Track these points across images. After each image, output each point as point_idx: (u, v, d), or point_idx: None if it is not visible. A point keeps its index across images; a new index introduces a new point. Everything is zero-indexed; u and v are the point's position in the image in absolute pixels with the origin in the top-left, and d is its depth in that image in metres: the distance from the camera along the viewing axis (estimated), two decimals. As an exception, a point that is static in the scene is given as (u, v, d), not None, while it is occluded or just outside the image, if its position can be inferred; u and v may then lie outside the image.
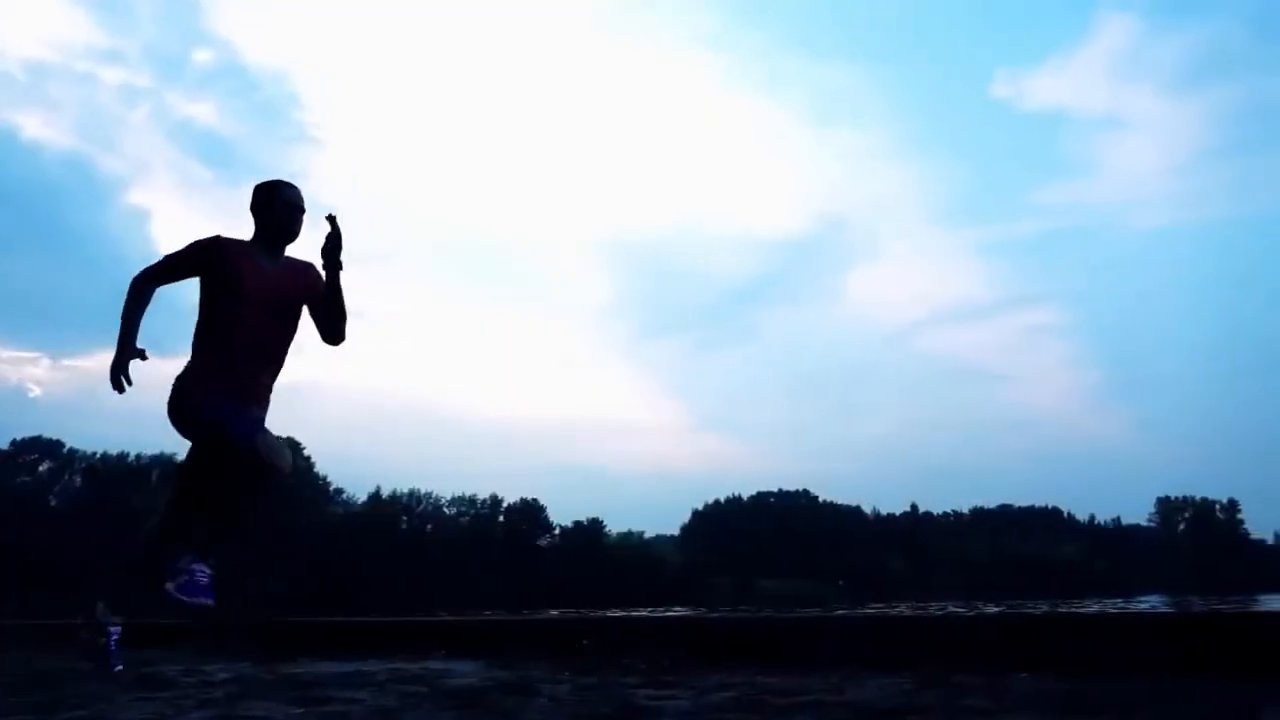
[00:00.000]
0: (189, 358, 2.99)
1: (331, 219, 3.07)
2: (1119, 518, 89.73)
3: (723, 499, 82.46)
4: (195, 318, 2.99)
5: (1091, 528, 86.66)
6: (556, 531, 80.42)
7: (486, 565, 68.51)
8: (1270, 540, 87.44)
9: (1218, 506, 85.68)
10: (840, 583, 63.68)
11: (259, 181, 3.19)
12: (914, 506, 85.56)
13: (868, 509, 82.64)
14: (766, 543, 71.21)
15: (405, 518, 76.47)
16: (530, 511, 78.90)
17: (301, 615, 7.25)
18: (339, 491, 74.50)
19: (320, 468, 69.72)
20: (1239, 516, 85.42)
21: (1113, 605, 22.68)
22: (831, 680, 2.34)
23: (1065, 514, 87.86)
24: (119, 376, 2.83)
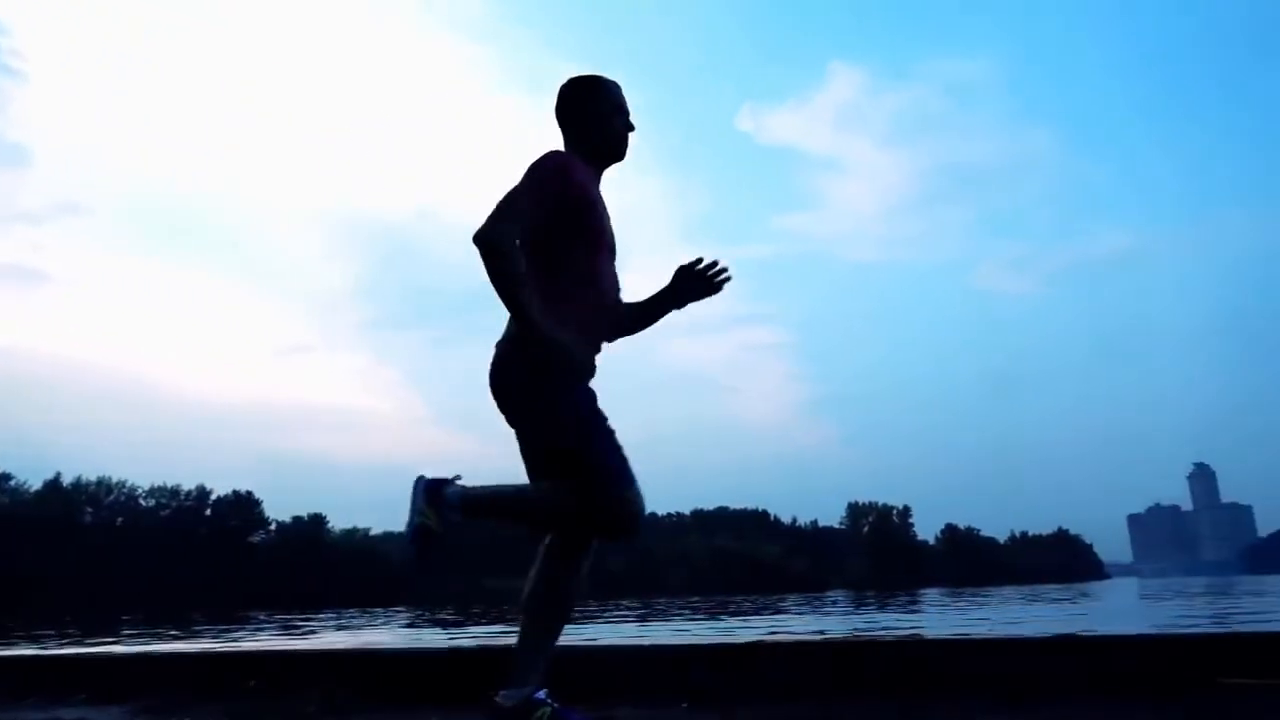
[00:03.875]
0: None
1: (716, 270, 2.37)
2: (816, 520, 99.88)
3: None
4: None
5: (793, 528, 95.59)
6: (272, 527, 74.98)
7: (190, 564, 62.29)
8: (932, 541, 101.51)
9: (895, 512, 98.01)
10: (567, 581, 65.16)
11: (574, 76, 2.39)
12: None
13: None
14: (498, 541, 71.11)
15: (90, 509, 67.66)
16: (243, 505, 72.87)
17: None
18: (6, 477, 64.64)
19: (-19, 450, 59.82)
20: (910, 521, 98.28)
21: (807, 602, 25.14)
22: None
23: (772, 516, 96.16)
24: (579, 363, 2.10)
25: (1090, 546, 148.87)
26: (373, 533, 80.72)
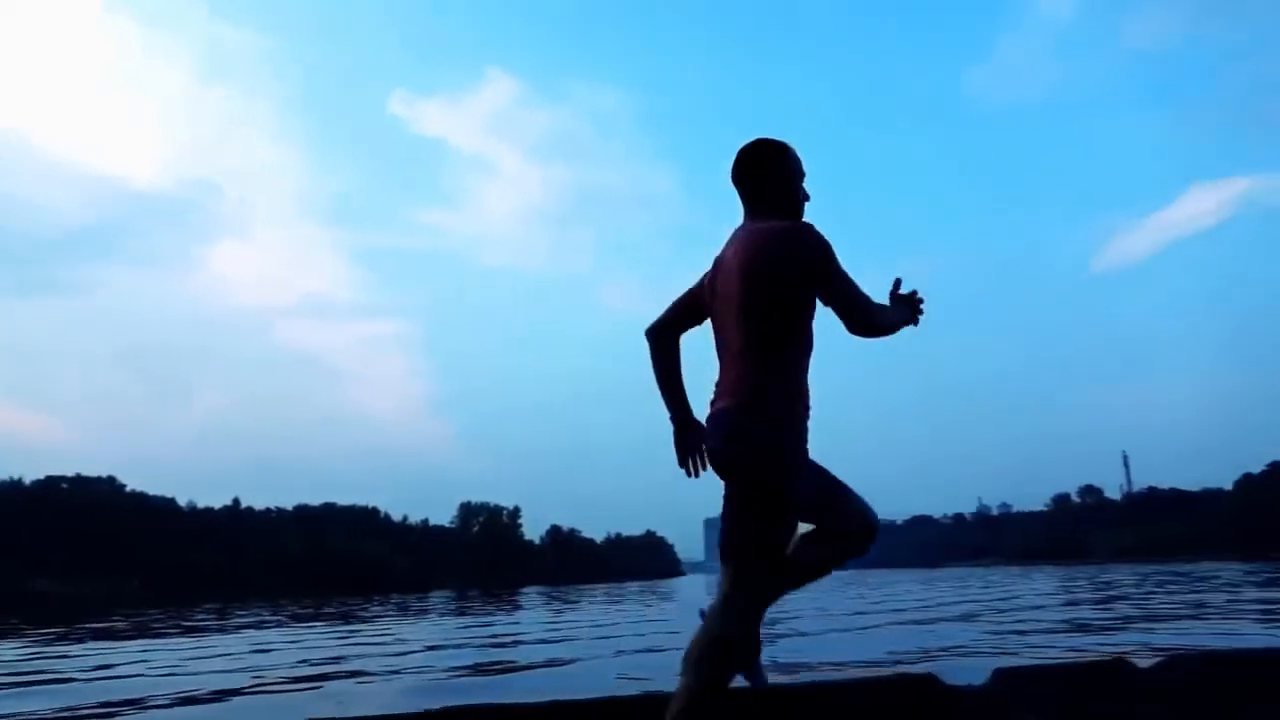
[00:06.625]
0: (762, 373, 2.14)
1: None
2: (427, 519, 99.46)
3: (-4, 482, 67.52)
4: None
5: (403, 527, 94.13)
6: None
7: None
8: (538, 541, 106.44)
9: (505, 513, 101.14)
10: (136, 582, 57.39)
11: (765, 140, 2.32)
12: (236, 501, 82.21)
13: (183, 501, 76.54)
14: (51, 537, 60.51)
15: None
16: None
17: None
18: None
19: None
20: (520, 521, 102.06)
21: (401, 603, 24.90)
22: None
23: (382, 514, 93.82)
24: None
25: (672, 546, 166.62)
26: None
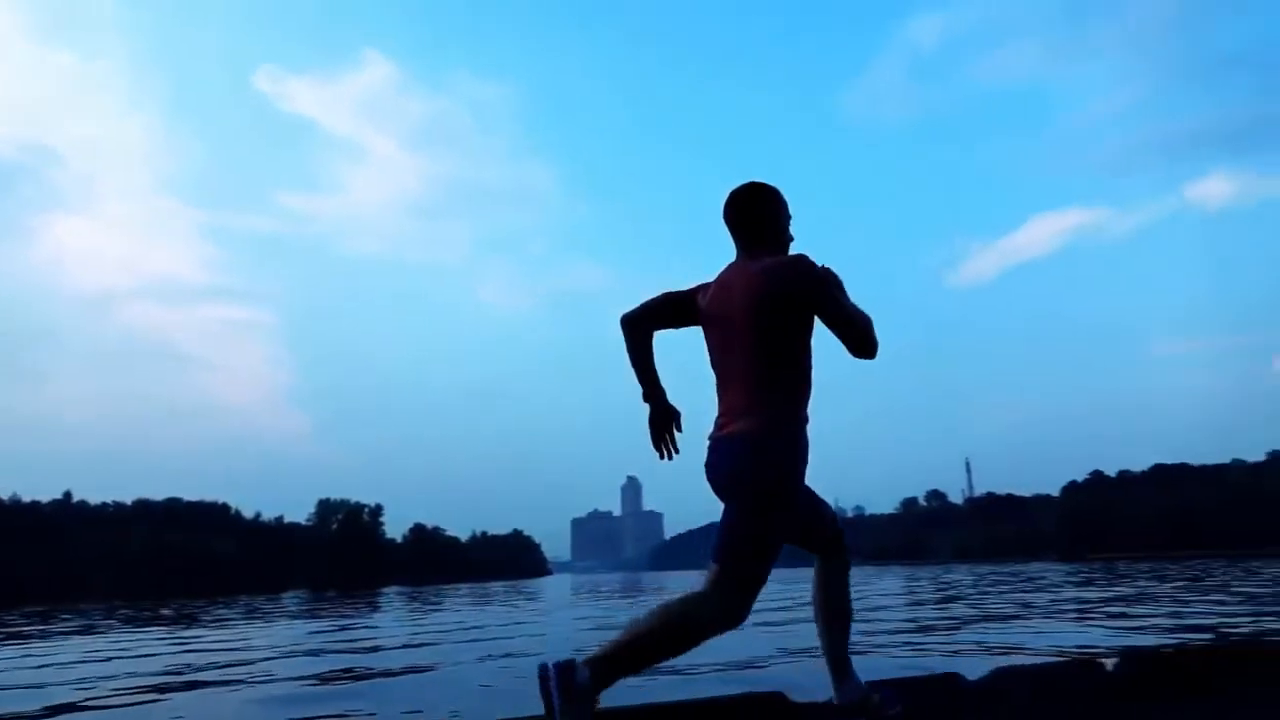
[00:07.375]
0: (771, 396, 2.28)
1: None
2: (282, 516, 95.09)
3: None
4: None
5: (255, 524, 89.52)
6: None
7: None
8: (400, 540, 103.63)
9: (366, 510, 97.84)
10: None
11: (759, 183, 2.48)
12: (68, 494, 76.26)
13: (5, 494, 70.31)
14: None
15: None
16: None
17: None
18: None
19: None
20: (381, 520, 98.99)
21: (262, 602, 23.59)
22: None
23: (233, 510, 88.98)
24: None
25: (539, 546, 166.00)
26: None
